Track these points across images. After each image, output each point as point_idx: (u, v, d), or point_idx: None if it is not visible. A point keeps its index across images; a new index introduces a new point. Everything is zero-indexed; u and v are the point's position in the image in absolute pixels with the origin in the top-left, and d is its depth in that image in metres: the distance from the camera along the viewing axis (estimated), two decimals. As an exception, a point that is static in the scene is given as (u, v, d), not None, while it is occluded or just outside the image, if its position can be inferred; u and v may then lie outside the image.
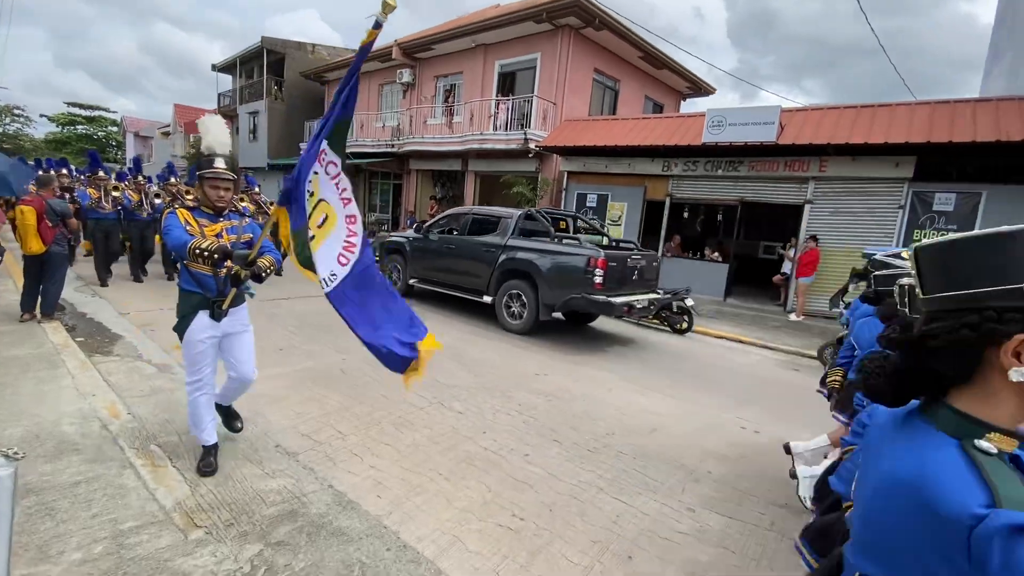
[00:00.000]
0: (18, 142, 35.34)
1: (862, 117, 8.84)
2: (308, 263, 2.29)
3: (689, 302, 7.51)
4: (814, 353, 6.75)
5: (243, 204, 8.65)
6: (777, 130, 9.20)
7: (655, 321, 7.82)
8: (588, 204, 12.51)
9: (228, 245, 2.47)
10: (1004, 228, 0.69)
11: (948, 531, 0.64)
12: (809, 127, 9.18)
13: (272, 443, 3.07)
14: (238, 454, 2.89)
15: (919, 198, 8.53)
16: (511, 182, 13.05)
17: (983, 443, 0.68)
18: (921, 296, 0.78)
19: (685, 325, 7.54)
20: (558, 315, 6.73)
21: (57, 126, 40.22)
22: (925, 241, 0.78)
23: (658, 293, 7.03)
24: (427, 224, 8.04)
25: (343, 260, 2.31)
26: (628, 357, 6.02)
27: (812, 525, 1.53)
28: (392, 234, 9.17)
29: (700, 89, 17.26)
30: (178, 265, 2.77)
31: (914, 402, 0.83)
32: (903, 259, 2.80)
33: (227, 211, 2.70)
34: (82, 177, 10.08)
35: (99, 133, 41.36)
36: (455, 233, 7.50)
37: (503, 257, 6.68)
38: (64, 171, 10.63)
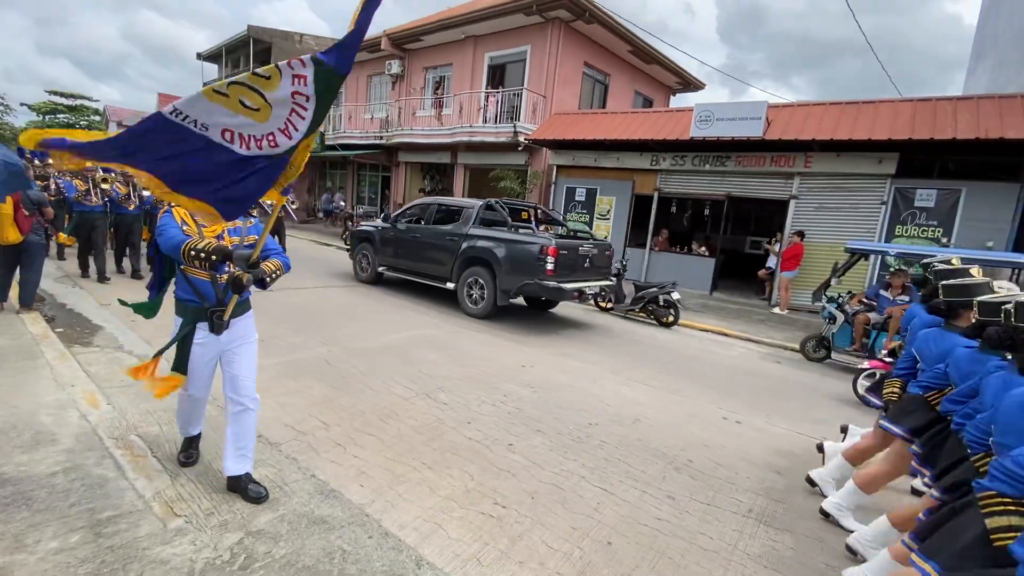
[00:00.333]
0: None
1: (847, 114, 8.95)
2: None
3: (675, 296, 7.60)
4: (796, 346, 6.87)
5: None
6: (764, 126, 9.28)
7: (642, 314, 7.90)
8: (577, 198, 12.53)
9: (228, 246, 2.19)
10: None
11: None
12: (795, 123, 9.27)
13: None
14: (220, 444, 2.88)
15: (901, 194, 8.68)
16: (500, 175, 13.02)
17: None
18: None
19: (671, 318, 7.62)
20: (517, 300, 7.12)
21: (38, 115, 39.23)
22: None
23: (611, 280, 7.43)
24: (395, 214, 8.27)
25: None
26: (614, 350, 6.08)
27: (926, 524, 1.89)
28: (362, 223, 9.37)
29: (689, 84, 17.33)
30: (175, 269, 2.44)
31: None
32: (968, 271, 2.77)
33: None
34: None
35: (81, 123, 40.42)
36: (421, 223, 7.76)
37: (465, 245, 6.98)
38: (50, 160, 10.22)
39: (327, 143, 18.31)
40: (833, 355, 6.27)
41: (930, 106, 8.41)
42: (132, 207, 7.58)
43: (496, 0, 12.62)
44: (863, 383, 5.05)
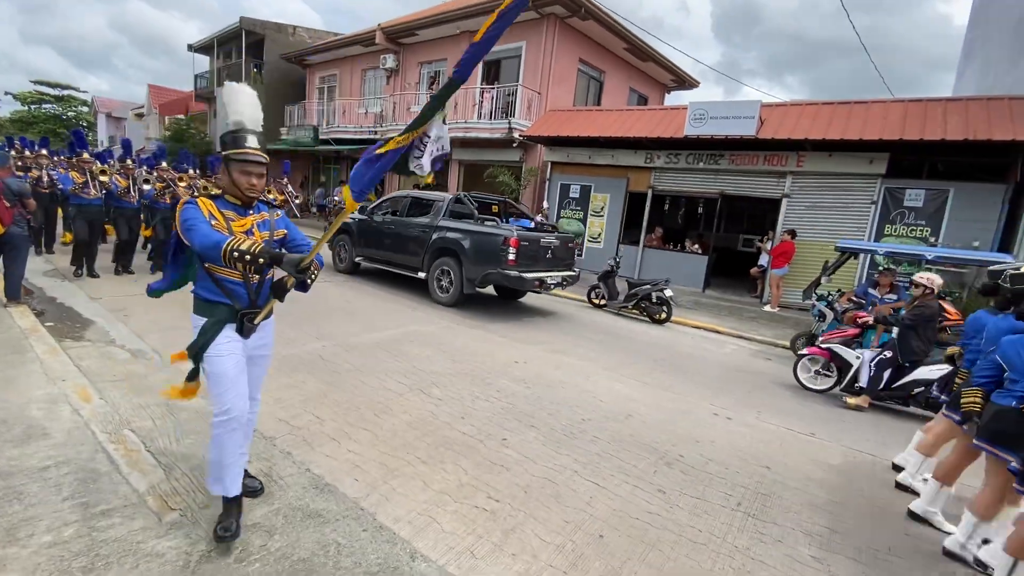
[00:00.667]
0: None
1: (839, 114, 9.03)
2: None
3: (668, 293, 7.65)
4: (787, 343, 6.96)
5: (271, 195, 7.86)
6: (757, 125, 9.34)
7: (635, 311, 7.95)
8: (571, 195, 12.55)
9: (276, 248, 2.05)
10: None
11: None
12: (788, 122, 9.34)
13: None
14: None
15: (891, 194, 8.78)
16: (495, 171, 13.01)
17: None
18: None
19: (664, 315, 7.68)
20: (487, 290, 7.46)
21: (23, 104, 38.52)
22: None
23: (574, 271, 7.70)
24: (371, 207, 8.51)
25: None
26: (607, 346, 6.12)
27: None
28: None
29: (684, 82, 17.38)
30: (195, 267, 2.15)
31: None
32: None
33: (255, 202, 2.16)
34: (62, 159, 9.44)
35: (68, 113, 39.76)
36: (396, 215, 8.06)
37: (435, 236, 7.28)
38: (43, 151, 9.24)
39: (321, 137, 18.19)
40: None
41: (920, 107, 8.51)
42: (134, 201, 7.22)
43: (491, -5, 12.56)
44: (804, 367, 5.37)
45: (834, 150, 9.03)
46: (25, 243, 5.13)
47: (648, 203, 11.51)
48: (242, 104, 2.05)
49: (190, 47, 24.18)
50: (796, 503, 2.97)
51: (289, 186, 9.40)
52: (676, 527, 2.59)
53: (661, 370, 5.37)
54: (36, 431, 2.73)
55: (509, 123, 12.56)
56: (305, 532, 2.20)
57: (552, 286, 7.13)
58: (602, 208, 12.12)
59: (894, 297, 6.04)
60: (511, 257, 6.49)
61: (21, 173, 7.23)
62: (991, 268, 3.87)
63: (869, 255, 8.28)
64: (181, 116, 26.19)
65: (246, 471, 2.40)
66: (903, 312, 4.90)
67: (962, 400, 2.79)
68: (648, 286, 7.82)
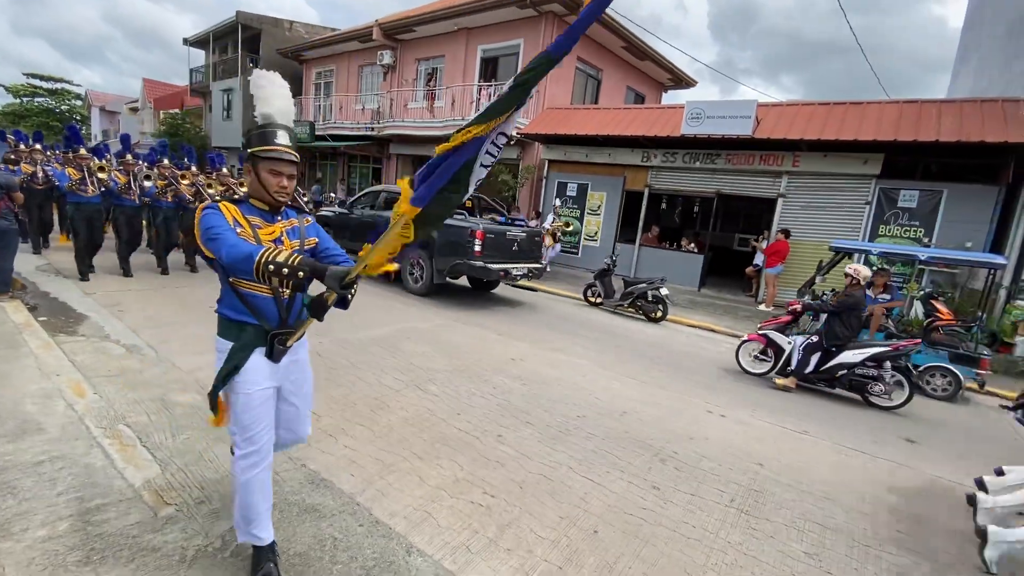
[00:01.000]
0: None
1: (834, 114, 9.08)
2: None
3: (664, 291, 7.68)
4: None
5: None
6: (753, 124, 9.38)
7: (631, 310, 7.98)
8: (568, 193, 12.56)
9: (317, 261, 1.74)
10: None
11: None
12: (784, 122, 9.38)
13: (244, 424, 3.06)
14: (211, 434, 2.88)
15: (885, 194, 8.84)
16: (492, 169, 12.99)
17: None
18: None
19: (660, 314, 7.71)
20: (461, 281, 7.69)
21: (15, 97, 38.11)
22: None
23: (540, 264, 8.04)
24: (350, 201, 8.85)
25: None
26: (603, 344, 6.14)
27: None
28: (323, 209, 10.17)
29: (681, 81, 17.40)
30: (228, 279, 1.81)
31: None
32: None
33: (283, 207, 1.90)
34: (58, 154, 9.27)
35: (62, 107, 39.39)
36: (373, 209, 8.45)
37: None
38: (37, 145, 8.82)
39: (317, 133, 18.10)
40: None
41: (915, 108, 8.57)
42: (135, 198, 6.81)
43: (490, -8, 12.54)
44: (746, 351, 5.64)
45: (829, 150, 9.08)
46: (13, 236, 5.07)
47: (645, 202, 11.53)
48: (272, 95, 1.82)
49: (186, 41, 24.01)
50: (789, 500, 2.99)
51: (298, 188, 9.43)
52: (670, 523, 2.61)
53: (656, 368, 5.40)
54: (30, 426, 2.72)
55: (506, 121, 12.54)
56: (301, 527, 2.20)
57: (518, 277, 7.42)
58: (599, 206, 12.15)
59: (887, 297, 6.09)
60: (477, 248, 6.79)
61: (13, 167, 7.10)
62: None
63: (863, 255, 8.34)
64: (176, 111, 26.02)
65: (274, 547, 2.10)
66: (828, 299, 5.35)
67: None
68: (644, 285, 7.85)
